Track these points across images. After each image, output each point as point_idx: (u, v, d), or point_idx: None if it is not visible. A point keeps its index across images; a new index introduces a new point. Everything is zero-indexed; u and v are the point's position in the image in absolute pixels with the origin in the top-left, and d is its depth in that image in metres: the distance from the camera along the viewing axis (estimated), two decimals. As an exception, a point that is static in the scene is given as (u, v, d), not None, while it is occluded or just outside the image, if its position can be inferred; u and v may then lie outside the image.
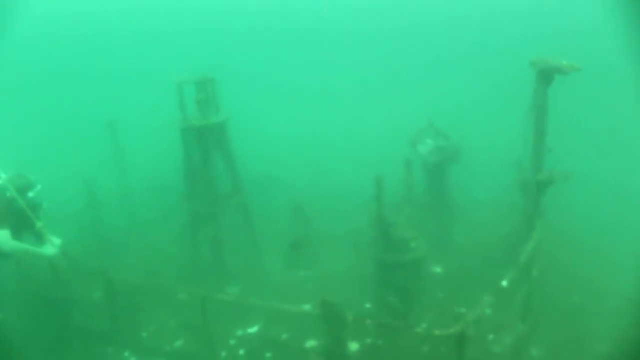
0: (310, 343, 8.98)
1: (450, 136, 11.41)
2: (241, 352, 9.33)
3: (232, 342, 9.56)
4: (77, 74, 25.78)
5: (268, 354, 9.14)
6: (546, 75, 9.37)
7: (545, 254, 9.79)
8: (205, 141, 10.71)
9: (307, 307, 9.76)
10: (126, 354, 9.63)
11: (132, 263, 12.32)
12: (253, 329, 9.88)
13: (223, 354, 9.27)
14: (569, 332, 9.52)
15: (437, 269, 11.34)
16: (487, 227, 12.24)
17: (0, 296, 10.39)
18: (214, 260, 11.25)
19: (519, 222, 10.71)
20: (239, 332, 9.70)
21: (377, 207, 9.26)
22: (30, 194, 8.66)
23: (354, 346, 8.66)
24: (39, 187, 8.89)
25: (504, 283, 8.07)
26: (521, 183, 10.32)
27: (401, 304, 9.47)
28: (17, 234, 8.53)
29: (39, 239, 8.84)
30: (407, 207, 10.23)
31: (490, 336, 8.76)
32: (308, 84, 27.61)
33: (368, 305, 10.09)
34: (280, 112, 23.70)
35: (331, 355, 7.83)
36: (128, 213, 14.46)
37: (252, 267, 11.63)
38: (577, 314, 9.99)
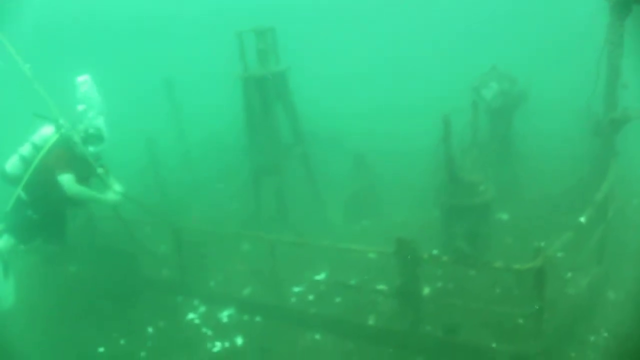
0: (380, 287, 8.89)
1: (516, 79, 11.02)
2: (310, 297, 9.32)
3: (299, 288, 9.56)
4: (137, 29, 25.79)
5: (338, 299, 9.11)
6: (623, 7, 8.92)
7: (618, 197, 9.48)
8: (266, 91, 10.65)
9: (372, 255, 9.85)
10: (195, 302, 9.76)
11: (197, 218, 12.48)
12: (320, 276, 9.86)
13: (292, 299, 9.30)
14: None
15: (504, 216, 11.08)
16: (554, 175, 11.89)
17: (73, 249, 10.70)
18: (277, 213, 11.26)
19: (589, 167, 10.38)
20: (306, 278, 9.67)
21: (445, 149, 9.04)
22: (91, 149, 8.74)
23: (424, 290, 8.55)
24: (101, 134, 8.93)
25: (582, 220, 7.80)
26: (594, 124, 9.91)
27: (470, 249, 9.29)
28: (84, 180, 8.68)
29: (104, 186, 8.98)
30: (474, 151, 10.00)
31: (568, 275, 8.51)
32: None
33: (435, 252, 9.92)
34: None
35: (405, 295, 7.78)
36: (188, 171, 14.61)
37: (314, 219, 11.59)
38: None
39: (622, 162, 9.63)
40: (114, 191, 8.95)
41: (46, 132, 8.68)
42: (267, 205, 11.63)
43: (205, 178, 14.57)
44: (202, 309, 9.56)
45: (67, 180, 8.30)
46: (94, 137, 8.75)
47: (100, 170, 8.83)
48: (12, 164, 8.61)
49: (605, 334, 8.13)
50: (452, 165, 9.22)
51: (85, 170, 8.68)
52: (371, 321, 8.44)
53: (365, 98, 19.18)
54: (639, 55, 9.29)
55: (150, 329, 9.20)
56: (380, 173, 12.38)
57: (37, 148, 8.60)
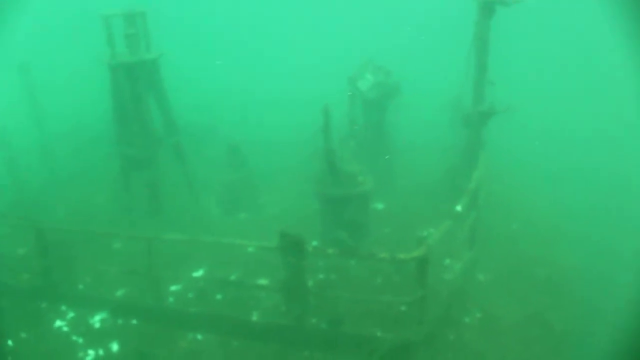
0: (262, 281, 8.71)
1: (391, 72, 11.24)
2: (190, 295, 8.92)
3: (177, 287, 9.12)
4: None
5: (219, 296, 8.79)
6: (488, 7, 9.39)
7: (486, 185, 10.00)
8: (136, 79, 10.00)
9: (251, 249, 9.64)
10: (63, 308, 8.99)
11: (61, 217, 11.54)
12: (198, 273, 9.48)
13: (170, 299, 8.84)
14: (511, 258, 9.81)
15: (379, 205, 11.30)
16: (426, 165, 12.36)
17: None
18: (150, 207, 10.67)
19: (458, 157, 10.86)
20: (184, 276, 9.23)
21: (324, 139, 9.00)
22: None
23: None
24: None
25: (459, 208, 8.09)
26: (463, 117, 10.37)
27: (350, 239, 9.36)
28: None
29: None
30: (352, 142, 10.08)
31: (446, 261, 8.82)
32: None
33: (315, 243, 9.88)
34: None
35: (290, 289, 7.64)
36: (49, 165, 13.47)
37: (189, 212, 11.15)
38: (516, 241, 10.31)
39: (487, 152, 10.15)
40: None
41: None
42: (139, 200, 10.99)
43: (68, 172, 13.50)
44: (71, 314, 8.82)
45: None
46: None
47: None
48: None
49: (478, 315, 8.55)
50: (331, 155, 9.20)
51: None
52: (255, 317, 8.24)
53: (242, 89, 18.71)
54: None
55: (9, 342, 8.34)
56: (257, 164, 12.13)
57: None
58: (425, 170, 11.96)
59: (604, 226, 11.36)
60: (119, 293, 9.07)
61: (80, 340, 8.26)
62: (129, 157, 10.51)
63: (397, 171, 11.99)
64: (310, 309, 7.80)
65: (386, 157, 11.42)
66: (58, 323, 8.67)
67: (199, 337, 8.16)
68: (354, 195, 9.45)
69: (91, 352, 8.01)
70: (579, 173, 12.98)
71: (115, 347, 8.09)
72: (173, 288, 9.06)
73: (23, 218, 9.47)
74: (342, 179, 9.42)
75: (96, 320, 8.67)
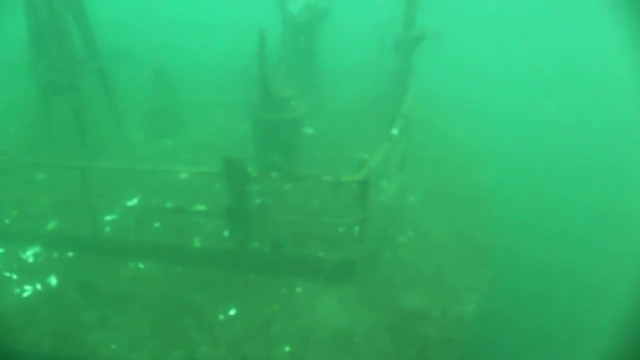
0: (199, 207, 8.65)
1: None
2: (126, 225, 8.74)
3: (112, 217, 8.91)
4: None
5: (157, 224, 8.69)
6: None
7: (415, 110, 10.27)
8: (52, -2, 9.25)
9: (185, 175, 9.52)
10: (-10, 244, 8.58)
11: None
12: (133, 202, 9.27)
13: (107, 229, 8.64)
14: (437, 180, 10.28)
15: (309, 130, 11.36)
16: (355, 91, 12.42)
17: None
18: (76, 134, 10.16)
19: (388, 82, 11.01)
20: (118, 205, 9.00)
21: (260, 64, 8.85)
22: None
23: (247, 207, 8.52)
24: None
25: (395, 132, 8.30)
26: (394, 41, 10.45)
27: (284, 162, 9.43)
28: None
29: None
30: (284, 66, 9.94)
31: (383, 183, 9.10)
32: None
33: (249, 168, 9.87)
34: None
35: (233, 214, 7.67)
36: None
37: (113, 139, 10.75)
38: (441, 164, 10.76)
39: (416, 78, 10.36)
40: None
41: None
42: (58, 129, 10.43)
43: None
44: (0, 250, 8.43)
45: None
46: None
47: None
48: None
49: (411, 234, 9.00)
50: (266, 80, 9.08)
51: None
52: (197, 243, 8.23)
53: (171, 11, 17.62)
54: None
55: None
56: (184, 89, 11.75)
57: None
58: (354, 95, 12.05)
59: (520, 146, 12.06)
60: (51, 226, 8.74)
61: (15, 277, 7.95)
62: (49, 82, 9.86)
63: (326, 96, 12.02)
64: (253, 233, 7.90)
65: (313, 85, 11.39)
66: (-14, 260, 8.31)
67: (141, 265, 8.09)
68: (287, 120, 9.44)
69: (28, 288, 7.75)
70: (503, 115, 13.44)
71: (53, 280, 7.86)
72: (108, 218, 8.84)
73: None
74: (275, 104, 9.35)
75: (29, 255, 8.34)
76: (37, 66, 9.88)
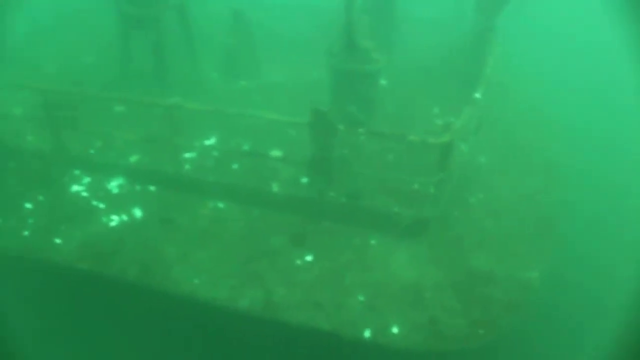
0: (275, 153, 8.83)
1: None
2: (205, 164, 9.00)
3: (191, 155, 9.15)
4: None
5: (235, 165, 8.91)
6: None
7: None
8: None
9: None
10: (77, 172, 8.93)
11: (51, 75, 11.06)
12: (211, 141, 9.48)
13: (187, 167, 8.90)
14: (508, 143, 10.21)
15: (383, 82, 11.30)
16: (428, 44, 12.18)
17: None
18: (154, 71, 10.34)
19: (465, 39, 10.81)
20: (197, 144, 9.21)
21: (347, 14, 8.79)
22: None
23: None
24: None
25: (478, 95, 8.28)
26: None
27: (361, 113, 9.47)
28: None
29: None
30: (366, 17, 9.84)
31: (461, 146, 9.12)
32: None
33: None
34: None
35: (316, 163, 7.83)
36: (26, 16, 12.59)
37: (188, 76, 10.90)
38: (514, 128, 10.65)
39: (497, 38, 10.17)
40: None
41: None
42: (138, 60, 10.63)
43: (49, 26, 12.73)
44: (87, 179, 8.80)
45: None
46: None
47: None
48: None
49: (481, 195, 9.06)
50: (352, 31, 9.03)
51: None
52: (275, 188, 8.45)
53: None
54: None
55: (28, 205, 8.34)
56: (261, 29, 11.69)
57: None
58: (428, 48, 11.85)
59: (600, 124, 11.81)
60: (133, 159, 9.05)
61: (102, 205, 8.35)
62: (131, 15, 9.98)
63: (399, 47, 11.87)
64: (331, 184, 8.07)
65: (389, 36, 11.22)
66: (75, 188, 8.67)
67: (220, 205, 8.37)
68: (368, 72, 9.42)
69: (115, 218, 8.14)
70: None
71: (138, 213, 8.23)
72: (187, 155, 9.08)
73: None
74: (357, 54, 9.33)
75: (113, 185, 8.71)
76: (120, -1, 10.01)
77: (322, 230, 8.06)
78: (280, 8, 13.08)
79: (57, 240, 7.88)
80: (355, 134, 7.68)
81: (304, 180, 8.39)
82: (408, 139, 7.42)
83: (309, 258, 7.68)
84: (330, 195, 8.14)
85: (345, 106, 9.56)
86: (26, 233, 7.99)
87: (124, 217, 8.13)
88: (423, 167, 8.05)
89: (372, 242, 7.99)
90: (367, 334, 6.84)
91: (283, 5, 13.16)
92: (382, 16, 11.29)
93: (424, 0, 12.41)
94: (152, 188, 8.65)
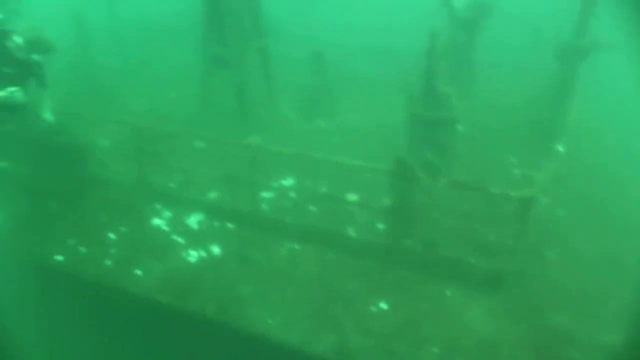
0: (352, 197, 8.87)
1: (487, -9, 10.84)
2: (283, 204, 9.12)
3: (269, 194, 9.29)
4: None
5: (312, 207, 9.00)
6: None
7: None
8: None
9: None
10: (157, 206, 9.20)
11: (136, 106, 11.53)
12: (288, 181, 9.62)
13: (264, 206, 9.04)
14: (589, 193, 9.90)
15: (460, 127, 11.26)
16: (505, 90, 12.11)
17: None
18: (238, 108, 10.63)
19: (548, 87, 10.69)
20: (274, 184, 9.38)
21: (429, 62, 8.87)
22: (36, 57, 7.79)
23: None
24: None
25: (561, 148, 8.16)
26: (559, 48, 10.11)
27: (438, 160, 9.46)
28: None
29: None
30: (443, 62, 9.89)
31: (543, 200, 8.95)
32: None
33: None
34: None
35: (395, 210, 7.84)
36: (118, 53, 13.28)
37: (268, 115, 11.14)
38: (594, 176, 10.35)
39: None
40: (42, 117, 8.55)
41: None
42: (219, 98, 10.97)
43: (138, 62, 13.31)
44: (167, 213, 9.05)
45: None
46: (42, 44, 7.72)
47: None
48: None
49: (560, 250, 8.82)
50: (433, 77, 9.09)
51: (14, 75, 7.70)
52: (351, 232, 8.47)
53: None
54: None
55: (112, 235, 8.63)
56: (340, 70, 11.88)
57: None
58: (506, 95, 11.79)
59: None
60: (212, 195, 9.25)
61: (181, 240, 8.54)
62: (217, 55, 10.34)
63: (479, 91, 11.82)
64: (409, 231, 8.04)
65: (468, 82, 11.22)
66: (156, 221, 8.92)
67: (297, 246, 8.44)
68: (446, 118, 9.43)
69: (193, 253, 8.30)
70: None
71: (216, 249, 8.37)
72: (265, 195, 9.23)
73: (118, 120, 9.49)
74: (436, 100, 9.36)
75: (193, 221, 8.91)
76: (208, 39, 10.37)
77: (397, 278, 7.99)
78: (359, 50, 13.29)
79: (138, 272, 8.09)
80: (436, 183, 7.64)
81: (380, 225, 8.41)
82: (490, 191, 7.36)
83: (384, 306, 7.62)
84: (407, 242, 8.11)
85: (422, 152, 9.59)
86: (108, 262, 8.24)
87: (203, 253, 8.28)
88: (500, 217, 7.94)
89: (448, 292, 7.87)
90: (441, 387, 6.72)
91: (362, 48, 13.37)
92: (462, 62, 11.34)
93: (505, 46, 12.31)
94: (230, 225, 8.80)
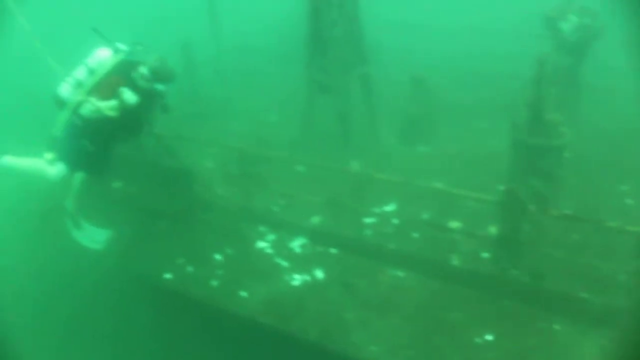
0: (453, 224, 8.78)
1: (597, 14, 10.48)
2: (386, 230, 9.13)
3: (371, 220, 9.33)
4: None
5: (415, 234, 8.96)
6: None
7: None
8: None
9: (440, 185, 9.64)
10: (261, 229, 9.45)
11: (236, 130, 11.94)
12: (390, 207, 9.64)
13: (367, 232, 9.10)
14: None
15: (566, 154, 10.92)
16: (619, 113, 11.65)
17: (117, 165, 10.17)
18: (339, 133, 10.79)
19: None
20: (376, 210, 9.43)
21: (535, 90, 8.68)
22: (159, 86, 8.17)
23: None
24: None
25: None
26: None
27: (545, 189, 9.20)
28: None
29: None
30: (552, 89, 9.65)
31: None
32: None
33: (501, 188, 9.78)
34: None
35: (503, 241, 7.70)
36: (223, 78, 13.83)
37: (368, 140, 11.23)
38: None
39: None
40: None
41: (103, 56, 8.04)
42: (320, 122, 11.20)
43: (239, 87, 13.84)
44: (271, 237, 9.26)
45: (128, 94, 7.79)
46: (165, 74, 8.12)
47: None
48: (65, 88, 7.92)
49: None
50: (540, 104, 8.88)
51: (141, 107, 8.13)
52: (455, 261, 8.37)
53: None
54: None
55: (218, 256, 8.95)
56: (441, 94, 11.85)
57: (92, 72, 7.96)
58: (615, 117, 11.34)
59: None
60: (315, 220, 9.41)
61: (285, 264, 8.73)
62: (320, 83, 10.56)
63: (585, 117, 11.44)
64: (516, 262, 7.86)
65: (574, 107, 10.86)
66: (260, 244, 9.16)
67: (400, 273, 8.42)
68: (554, 146, 9.16)
69: (297, 277, 8.46)
70: None
71: (319, 274, 8.49)
72: (367, 221, 9.29)
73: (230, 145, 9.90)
74: (543, 128, 9.12)
75: (296, 245, 9.09)
76: (311, 66, 10.60)
77: (503, 309, 7.81)
78: (462, 74, 13.20)
79: (243, 294, 8.32)
80: (547, 215, 7.44)
81: (485, 254, 8.27)
82: (606, 224, 7.09)
83: (489, 337, 7.46)
84: (514, 273, 7.93)
85: (528, 180, 9.35)
86: (215, 283, 8.53)
87: (306, 277, 8.43)
88: (612, 249, 7.63)
89: (556, 327, 7.60)
90: None
91: (465, 72, 13.27)
92: (569, 86, 10.99)
93: (613, 69, 11.83)
94: (333, 251, 8.91)
